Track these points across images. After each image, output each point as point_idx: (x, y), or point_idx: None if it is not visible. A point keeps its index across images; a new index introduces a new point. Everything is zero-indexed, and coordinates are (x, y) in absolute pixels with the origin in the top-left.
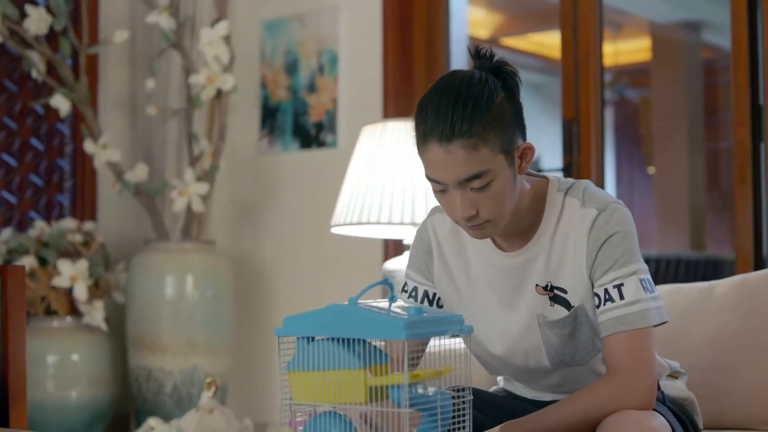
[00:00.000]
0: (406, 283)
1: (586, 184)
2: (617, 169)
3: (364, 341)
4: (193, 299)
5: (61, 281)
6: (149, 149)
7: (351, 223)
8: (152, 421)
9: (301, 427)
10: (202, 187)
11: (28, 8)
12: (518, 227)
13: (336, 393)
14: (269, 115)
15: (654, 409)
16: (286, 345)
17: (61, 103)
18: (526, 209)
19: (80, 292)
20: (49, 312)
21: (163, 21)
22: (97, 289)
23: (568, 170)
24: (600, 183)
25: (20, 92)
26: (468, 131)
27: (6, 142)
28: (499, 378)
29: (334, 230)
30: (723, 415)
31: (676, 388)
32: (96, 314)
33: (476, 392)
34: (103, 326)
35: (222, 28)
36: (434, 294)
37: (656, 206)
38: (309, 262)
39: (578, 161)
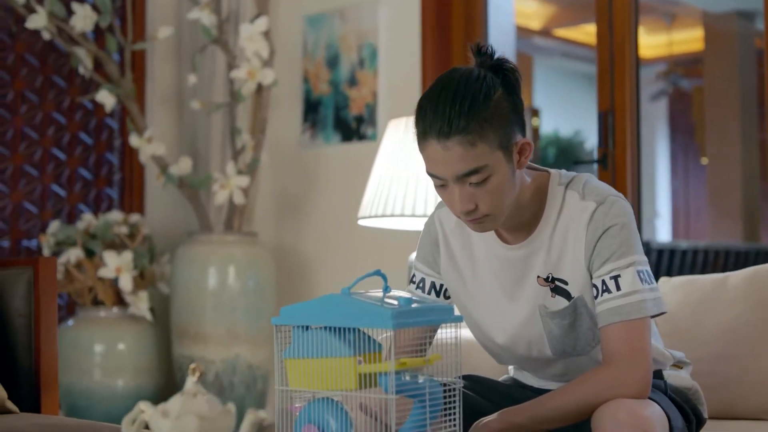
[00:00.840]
0: (414, 275)
1: (587, 177)
2: (671, 160)
3: (358, 330)
4: (235, 290)
5: (106, 272)
6: (195, 143)
7: (375, 216)
8: (142, 405)
9: (297, 413)
10: (243, 180)
11: (75, 6)
12: (520, 220)
13: (328, 380)
14: (311, 108)
15: (651, 398)
16: (284, 334)
17: (106, 98)
18: (528, 202)
19: (125, 283)
20: (96, 302)
21: (205, 17)
22: (142, 280)
23: (603, 162)
24: (639, 174)
25: (69, 88)
26: (465, 128)
27: (55, 137)
28: (510, 367)
29: (360, 222)
30: (734, 405)
31: (679, 378)
32: (141, 304)
33: (484, 381)
34: (148, 316)
35: (261, 23)
36: (441, 285)
37: (709, 197)
38: (348, 253)
39: (613, 153)
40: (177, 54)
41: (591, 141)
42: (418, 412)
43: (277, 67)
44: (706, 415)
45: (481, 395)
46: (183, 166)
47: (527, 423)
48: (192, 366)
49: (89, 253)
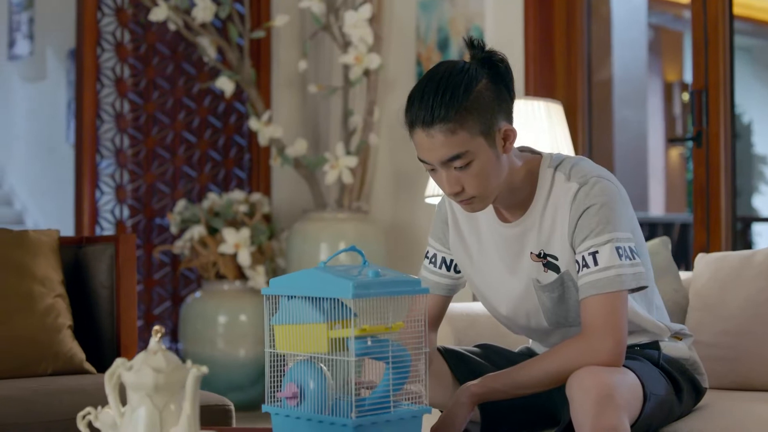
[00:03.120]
0: (428, 251)
1: (576, 160)
2: None
3: (336, 299)
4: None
5: (226, 248)
6: (316, 125)
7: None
8: (119, 360)
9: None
10: (352, 161)
11: None
12: (515, 200)
13: (306, 343)
14: None
15: (628, 367)
16: (272, 302)
17: (225, 84)
18: (521, 184)
19: (243, 258)
20: (220, 276)
21: (315, 5)
22: (261, 255)
23: (698, 140)
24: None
25: (198, 74)
26: (445, 117)
27: (186, 121)
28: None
29: (427, 200)
30: (754, 377)
31: (676, 349)
32: (258, 278)
33: (499, 350)
34: None
35: (365, 11)
36: (451, 260)
37: None
38: None
39: (707, 131)
40: (300, 40)
41: (751, 114)
42: (387, 375)
43: (392, 51)
44: (705, 385)
45: (495, 364)
46: (298, 148)
47: (505, 388)
48: (155, 328)
49: (212, 231)
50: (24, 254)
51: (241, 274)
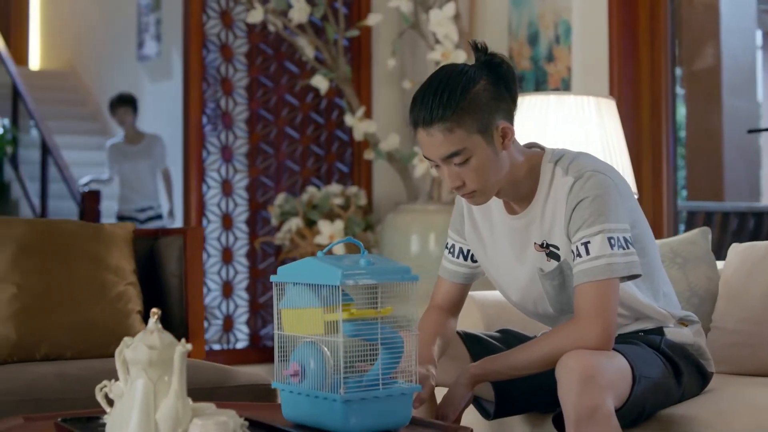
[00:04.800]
0: (447, 241)
1: (576, 155)
2: None
3: (335, 286)
4: (434, 256)
5: (321, 239)
6: None
7: None
8: (126, 339)
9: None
10: None
11: (292, 0)
12: (519, 194)
13: (305, 326)
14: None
15: (620, 351)
16: (280, 288)
17: (320, 82)
18: (523, 178)
19: (337, 249)
20: None
21: (403, 4)
22: (355, 246)
23: None
24: None
25: (301, 73)
26: (442, 116)
27: (289, 117)
28: None
29: None
30: None
31: (680, 335)
32: None
33: (518, 335)
34: None
35: (449, 9)
36: (468, 250)
37: None
38: None
39: None
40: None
41: None
42: (380, 356)
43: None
44: (711, 369)
45: (512, 347)
46: (391, 142)
47: (502, 370)
48: (152, 310)
49: (310, 223)
50: (99, 246)
51: None
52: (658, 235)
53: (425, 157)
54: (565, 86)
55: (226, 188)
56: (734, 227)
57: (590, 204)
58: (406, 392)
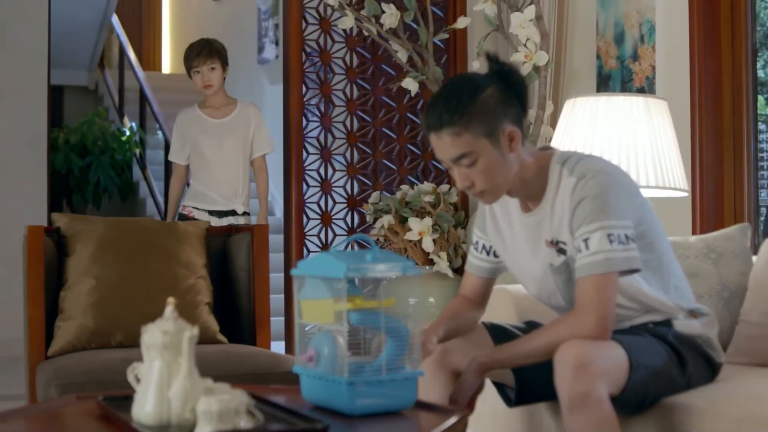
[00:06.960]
0: (473, 238)
1: (582, 156)
2: None
3: (347, 278)
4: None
5: (411, 236)
6: None
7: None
8: (145, 326)
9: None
10: None
11: (384, 5)
12: (529, 193)
13: (319, 315)
14: (602, 82)
15: (620, 340)
16: (300, 281)
17: (410, 84)
18: (533, 178)
19: (427, 244)
20: None
21: (488, 8)
22: (446, 242)
23: None
24: None
25: (397, 75)
26: (450, 121)
27: (386, 118)
28: None
29: None
30: None
31: (689, 327)
32: (441, 263)
33: (539, 325)
34: (450, 273)
35: (530, 12)
36: (490, 246)
37: None
38: None
39: None
40: (491, 39)
41: None
42: (387, 345)
43: (575, 45)
44: (720, 360)
45: None
46: None
47: (509, 358)
48: (169, 300)
49: (403, 220)
50: (172, 242)
51: (429, 260)
52: None
53: (438, 159)
54: (649, 85)
55: (325, 187)
56: None
57: (590, 202)
58: (409, 377)
